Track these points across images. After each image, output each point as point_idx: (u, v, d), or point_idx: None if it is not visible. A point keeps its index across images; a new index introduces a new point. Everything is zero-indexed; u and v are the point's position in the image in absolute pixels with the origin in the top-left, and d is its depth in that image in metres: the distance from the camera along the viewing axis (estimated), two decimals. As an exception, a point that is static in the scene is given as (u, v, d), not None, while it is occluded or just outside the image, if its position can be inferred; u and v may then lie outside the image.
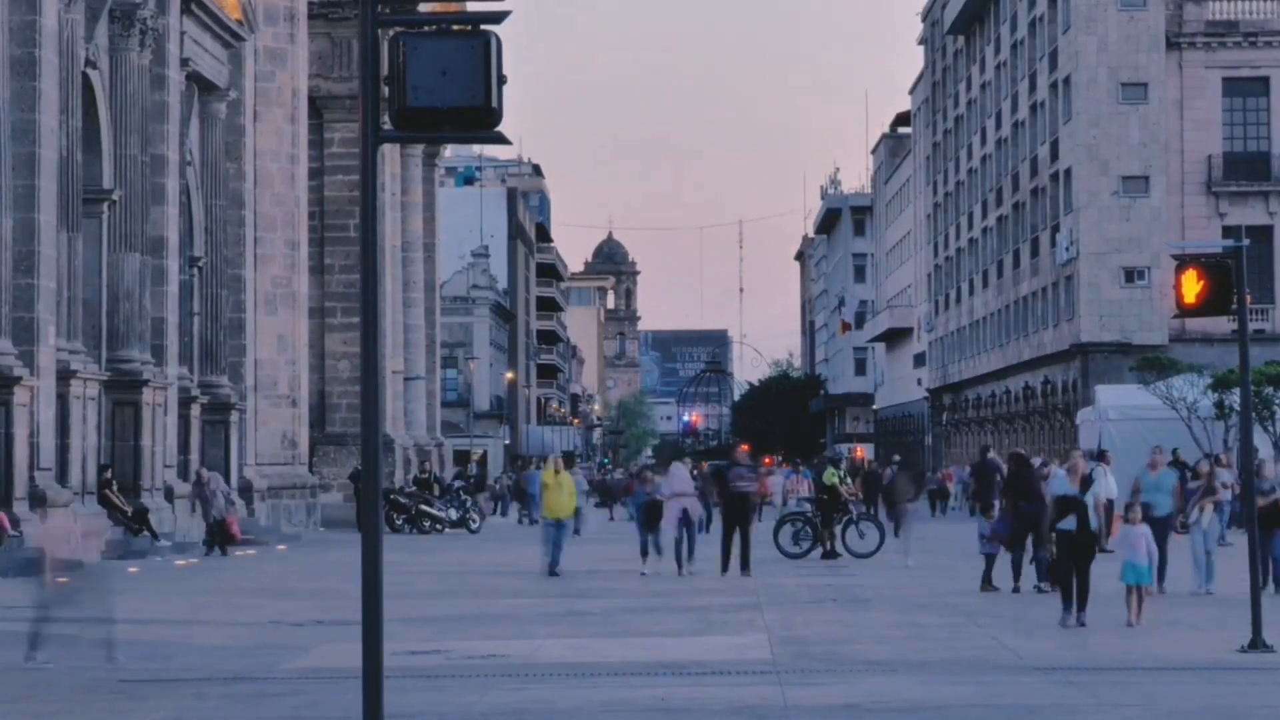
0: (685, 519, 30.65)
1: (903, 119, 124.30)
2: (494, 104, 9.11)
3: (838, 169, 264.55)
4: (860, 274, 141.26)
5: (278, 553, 38.69)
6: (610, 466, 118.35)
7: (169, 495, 38.88)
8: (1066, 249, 70.37)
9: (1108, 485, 30.47)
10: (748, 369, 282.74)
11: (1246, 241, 18.64)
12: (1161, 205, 67.74)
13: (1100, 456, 32.68)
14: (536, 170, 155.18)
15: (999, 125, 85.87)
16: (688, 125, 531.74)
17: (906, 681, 15.59)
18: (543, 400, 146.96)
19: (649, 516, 30.98)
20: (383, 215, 55.89)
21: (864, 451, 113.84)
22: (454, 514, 49.62)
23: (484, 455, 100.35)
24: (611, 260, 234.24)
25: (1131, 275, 68.17)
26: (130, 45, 37.55)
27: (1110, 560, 22.28)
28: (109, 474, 36.28)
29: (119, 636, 17.72)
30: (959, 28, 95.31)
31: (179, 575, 31.02)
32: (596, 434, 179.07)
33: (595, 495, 67.47)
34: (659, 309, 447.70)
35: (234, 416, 44.31)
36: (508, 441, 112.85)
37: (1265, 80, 68.63)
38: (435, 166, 68.33)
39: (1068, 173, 70.94)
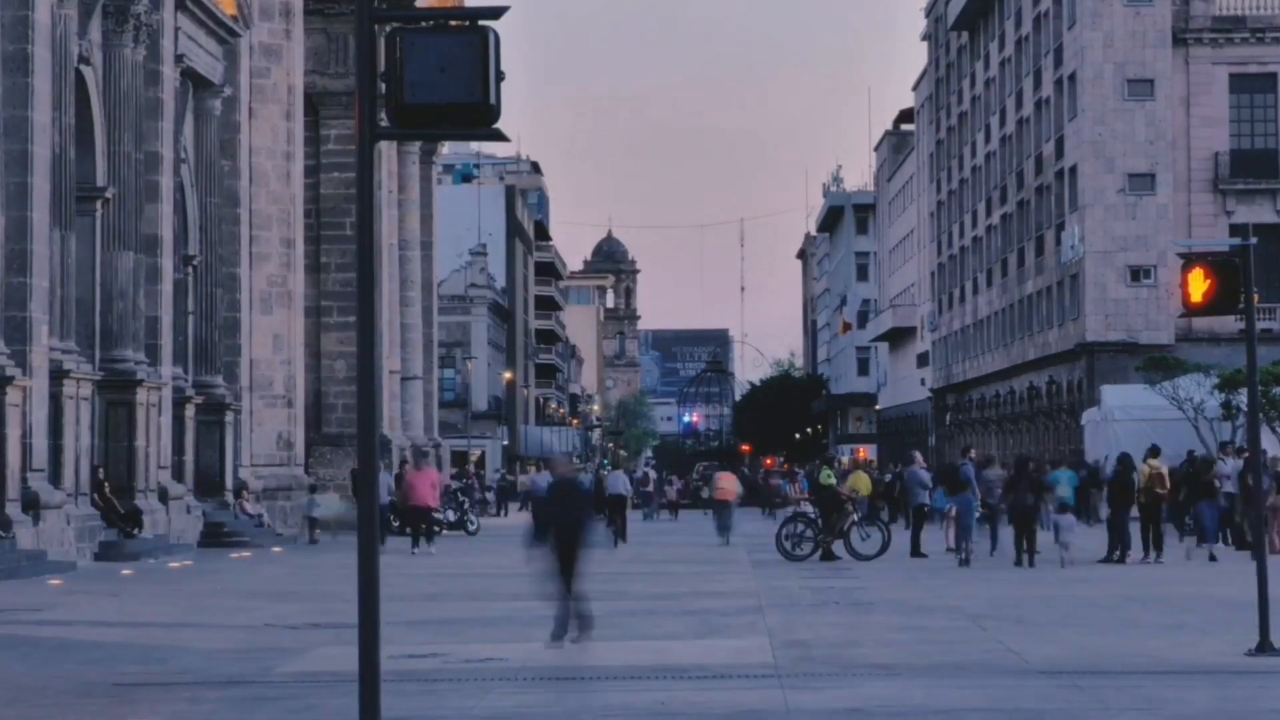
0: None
1: (906, 116, 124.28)
2: (492, 100, 9.09)
3: (840, 166, 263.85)
4: (863, 272, 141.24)
5: (273, 555, 38.53)
6: (610, 467, 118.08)
7: (163, 496, 38.68)
8: (1072, 247, 70.21)
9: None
10: (749, 369, 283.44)
11: (1254, 240, 18.42)
12: (1168, 203, 67.60)
13: None
14: (535, 168, 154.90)
15: (1003, 122, 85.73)
16: (688, 122, 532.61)
17: (910, 685, 15.44)
18: (541, 400, 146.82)
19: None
20: (379, 213, 55.62)
21: (866, 452, 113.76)
22: (451, 516, 49.40)
23: (482, 456, 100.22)
24: (611, 259, 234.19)
25: (1137, 274, 68.03)
26: (124, 41, 37.37)
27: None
28: (102, 474, 36.06)
29: (115, 639, 17.53)
30: (963, 24, 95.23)
31: (173, 577, 30.83)
32: (596, 435, 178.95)
33: None
34: (659, 308, 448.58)
35: (229, 416, 44.18)
36: (506, 442, 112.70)
37: (1273, 76, 68.46)
38: (432, 164, 68.12)
39: (1073, 170, 70.80)
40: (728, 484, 47.04)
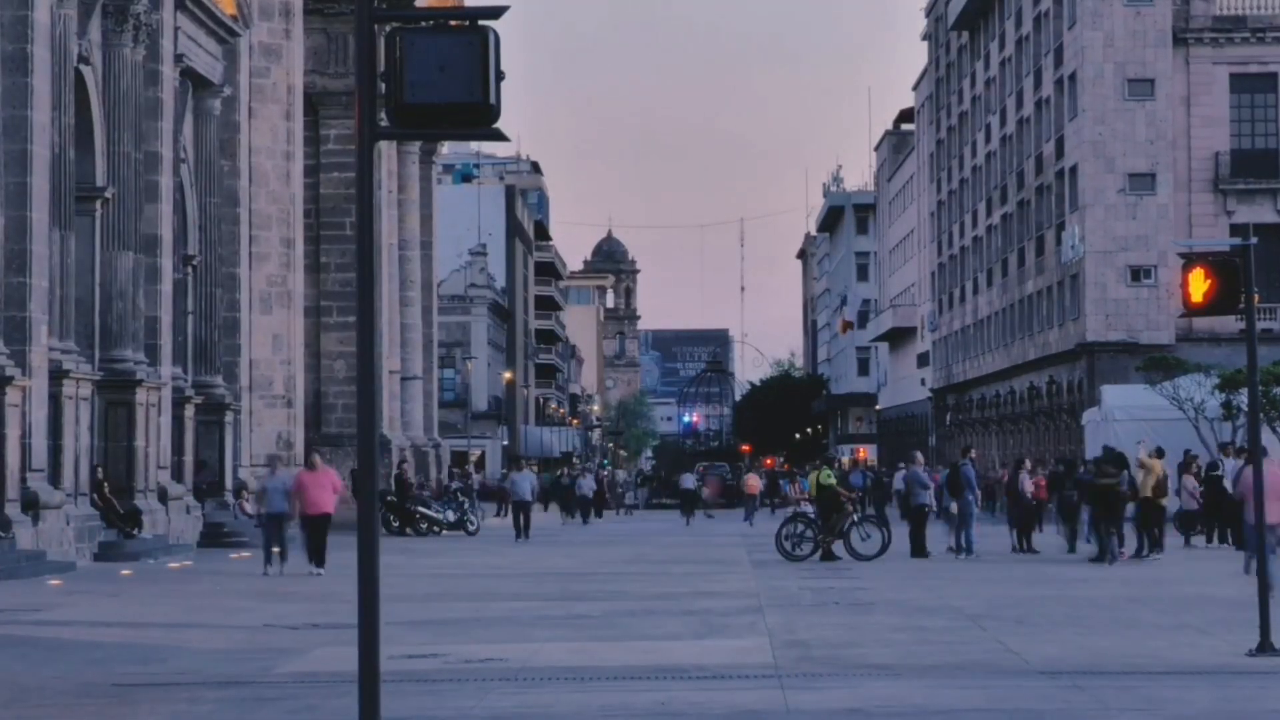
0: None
1: (906, 115, 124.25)
2: (492, 100, 9.06)
3: (840, 166, 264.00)
4: (863, 272, 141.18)
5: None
6: (610, 468, 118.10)
7: (162, 496, 38.62)
8: (1072, 247, 70.15)
9: None
10: (749, 369, 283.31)
11: (1254, 240, 18.39)
12: (1168, 203, 67.53)
13: None
14: (535, 167, 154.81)
15: (1003, 122, 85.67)
16: (688, 122, 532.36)
17: (910, 686, 15.41)
18: (541, 400, 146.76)
19: None
20: (379, 213, 55.58)
21: (866, 452, 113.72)
22: (451, 515, 49.33)
23: (482, 456, 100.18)
24: (611, 259, 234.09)
25: (1138, 274, 67.97)
26: (124, 41, 37.32)
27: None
28: (102, 475, 36.01)
29: (114, 640, 17.50)
30: (963, 23, 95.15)
31: (173, 577, 30.79)
32: (596, 435, 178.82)
33: None
34: (659, 308, 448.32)
35: (229, 417, 44.11)
36: (506, 442, 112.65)
37: (1273, 76, 68.38)
38: (432, 164, 68.05)
39: (1073, 170, 70.74)
40: (754, 481, 65.53)
